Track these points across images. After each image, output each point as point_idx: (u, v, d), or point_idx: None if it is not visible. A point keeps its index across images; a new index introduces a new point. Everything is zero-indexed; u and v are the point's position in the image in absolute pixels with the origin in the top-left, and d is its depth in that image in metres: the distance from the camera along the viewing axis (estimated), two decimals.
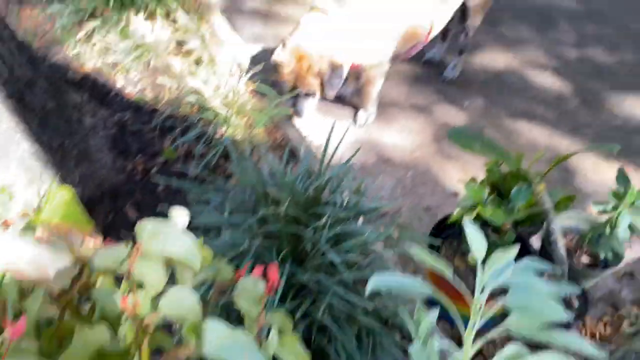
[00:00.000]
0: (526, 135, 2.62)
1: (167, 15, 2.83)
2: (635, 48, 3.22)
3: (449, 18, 2.55)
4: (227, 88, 2.26)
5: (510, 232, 1.63)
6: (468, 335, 0.67)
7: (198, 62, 2.63)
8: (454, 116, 2.72)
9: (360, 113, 2.65)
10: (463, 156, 2.51)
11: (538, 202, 1.64)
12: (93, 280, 0.87)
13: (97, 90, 2.52)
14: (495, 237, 1.69)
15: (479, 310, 0.68)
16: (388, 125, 2.65)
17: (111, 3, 2.65)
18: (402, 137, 2.60)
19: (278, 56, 2.23)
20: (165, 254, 0.79)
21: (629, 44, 3.26)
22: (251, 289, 0.88)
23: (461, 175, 2.42)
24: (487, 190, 1.67)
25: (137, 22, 2.72)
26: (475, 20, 2.66)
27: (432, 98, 2.83)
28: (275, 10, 3.40)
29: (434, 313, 0.74)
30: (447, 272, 0.70)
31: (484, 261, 0.74)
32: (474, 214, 1.58)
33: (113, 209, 2.02)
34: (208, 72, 2.44)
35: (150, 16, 2.79)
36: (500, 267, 0.68)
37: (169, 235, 0.82)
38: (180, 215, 0.91)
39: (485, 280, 0.67)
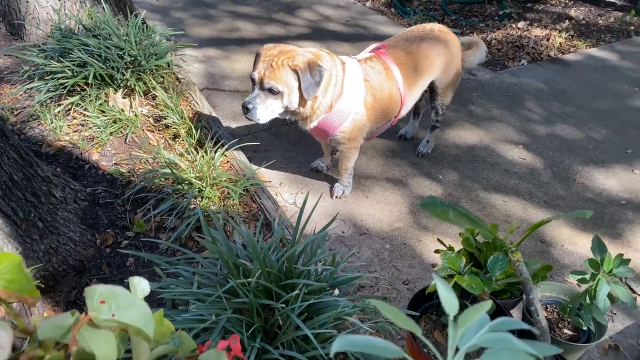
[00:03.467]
0: (501, 207, 2.64)
1: (146, 92, 2.88)
2: (599, 125, 3.36)
3: (418, 97, 2.64)
4: (203, 161, 2.25)
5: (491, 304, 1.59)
6: None
7: (176, 136, 2.64)
8: (429, 189, 2.74)
9: (337, 186, 2.66)
10: (440, 227, 2.50)
11: (516, 272, 1.62)
12: (39, 354, 0.80)
13: (72, 164, 2.50)
14: None
15: None
16: (365, 198, 2.66)
17: (90, 80, 2.70)
18: (379, 208, 2.59)
19: (264, 46, 2.21)
20: (116, 321, 0.74)
21: (593, 121, 3.40)
22: None
23: (438, 247, 2.40)
24: (463, 260, 1.65)
25: (116, 98, 2.76)
26: (445, 99, 2.75)
27: (407, 171, 2.86)
28: None
29: None
30: (417, 331, 0.66)
31: (455, 318, 0.70)
32: (451, 283, 1.54)
33: (78, 284, 1.94)
34: (185, 146, 2.45)
35: (129, 94, 2.84)
36: (474, 326, 0.64)
37: (121, 300, 0.78)
38: (139, 283, 0.86)
39: (458, 338, 0.63)
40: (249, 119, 2.17)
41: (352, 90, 2.32)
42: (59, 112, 2.70)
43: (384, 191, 2.71)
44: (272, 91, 2.14)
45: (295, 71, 2.12)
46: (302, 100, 2.20)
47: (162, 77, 2.95)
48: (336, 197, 2.64)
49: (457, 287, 1.58)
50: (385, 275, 2.21)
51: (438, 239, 1.83)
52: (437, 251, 1.85)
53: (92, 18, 3.11)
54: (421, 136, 3.11)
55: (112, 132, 2.66)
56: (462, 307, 0.76)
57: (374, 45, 2.46)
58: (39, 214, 1.86)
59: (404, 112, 2.58)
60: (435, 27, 2.62)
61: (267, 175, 2.73)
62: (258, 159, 2.82)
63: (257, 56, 2.19)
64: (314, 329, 1.40)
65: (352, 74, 2.33)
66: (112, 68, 2.75)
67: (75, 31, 2.96)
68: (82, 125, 2.70)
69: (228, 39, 4.25)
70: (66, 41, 2.80)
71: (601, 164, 3.00)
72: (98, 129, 2.65)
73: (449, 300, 0.71)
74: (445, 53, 2.56)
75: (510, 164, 2.96)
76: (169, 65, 2.91)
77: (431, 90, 2.71)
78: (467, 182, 2.81)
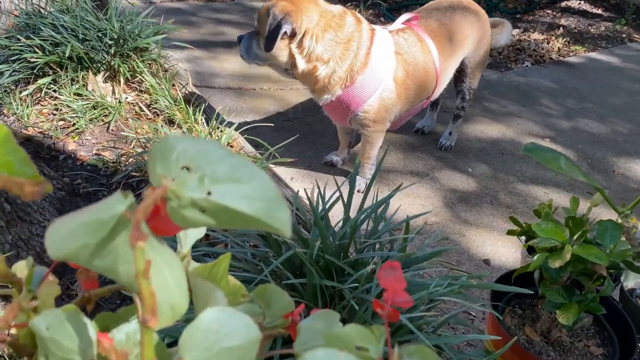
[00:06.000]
0: (543, 198, 2.34)
1: (132, 77, 2.48)
2: (622, 120, 3.15)
3: (451, 76, 2.35)
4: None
5: (608, 281, 1.24)
6: None
7: (171, 122, 2.25)
8: (460, 181, 2.42)
9: (358, 178, 2.30)
10: (482, 220, 2.16)
11: (630, 241, 1.28)
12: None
13: (42, 154, 2.06)
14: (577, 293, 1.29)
15: None
16: (390, 190, 2.30)
17: (65, 60, 2.29)
18: (409, 202, 2.24)
19: None
20: (218, 204, 0.37)
21: (613, 116, 3.19)
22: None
23: (487, 241, 2.06)
24: (567, 231, 1.30)
25: (96, 81, 2.35)
26: (473, 81, 2.47)
27: (432, 164, 2.54)
28: (248, 86, 3.15)
29: None
30: None
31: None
32: (565, 257, 1.19)
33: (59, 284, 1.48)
34: (184, 129, 2.06)
35: (112, 78, 2.43)
36: None
37: (221, 167, 0.40)
38: None
39: None
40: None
41: (380, 62, 2.01)
42: (25, 96, 2.27)
43: (410, 185, 2.37)
44: (255, 30, 1.98)
45: (268, 12, 1.87)
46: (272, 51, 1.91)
47: (149, 63, 2.56)
48: (358, 190, 2.27)
49: (566, 265, 1.23)
50: (434, 274, 1.84)
51: (511, 217, 1.49)
52: (511, 232, 1.50)
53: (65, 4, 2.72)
54: (439, 131, 2.81)
55: (91, 119, 2.24)
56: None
57: (406, 16, 2.16)
58: (5, 194, 1.42)
59: (437, 91, 2.28)
60: None
61: (275, 170, 2.35)
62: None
63: None
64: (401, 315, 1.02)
65: (382, 44, 2.02)
66: (92, 48, 2.35)
67: (46, 12, 2.56)
68: (55, 112, 2.27)
69: (213, 42, 3.92)
70: (35, 19, 2.40)
71: (636, 156, 2.75)
72: (75, 115, 2.23)
73: None
74: (477, 26, 2.29)
75: None
76: (157, 44, 2.53)
77: (459, 70, 2.42)
78: (501, 175, 2.50)
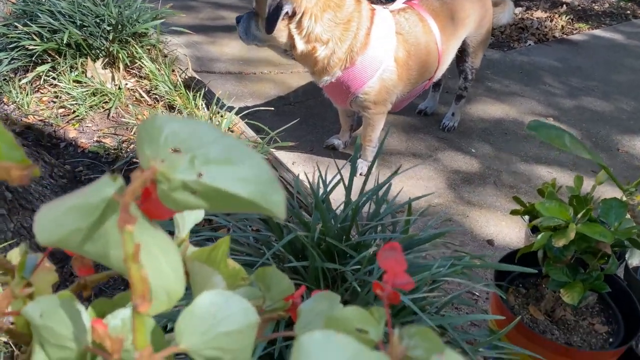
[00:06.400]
0: (547, 177, 2.32)
1: (131, 63, 2.46)
2: (626, 97, 3.11)
3: (453, 56, 2.32)
4: (213, 121, 1.85)
5: (612, 259, 1.23)
6: None
7: (171, 107, 2.23)
8: (463, 162, 2.40)
9: (360, 161, 2.29)
10: (486, 200, 2.15)
11: (636, 219, 1.27)
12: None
13: (43, 142, 2.05)
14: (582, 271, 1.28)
15: None
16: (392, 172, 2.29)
17: (64, 47, 2.27)
18: (411, 184, 2.23)
19: None
20: (208, 187, 0.36)
21: (618, 93, 3.15)
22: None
23: (490, 221, 2.05)
24: (571, 209, 1.29)
25: (96, 67, 2.33)
26: (475, 60, 2.44)
27: (435, 145, 2.52)
28: (249, 70, 3.13)
29: None
30: None
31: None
32: (569, 236, 1.18)
33: (60, 277, 1.48)
34: (184, 114, 2.04)
35: (111, 64, 2.42)
36: None
37: (214, 148, 0.40)
38: None
39: None
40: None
41: (380, 42, 1.98)
42: (24, 84, 2.26)
43: (412, 166, 2.35)
44: (254, 11, 1.93)
45: None
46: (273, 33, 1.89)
47: (148, 49, 2.54)
48: (360, 173, 2.26)
49: (570, 243, 1.22)
50: (437, 256, 1.84)
51: (514, 197, 1.48)
52: (514, 212, 1.49)
53: None
54: (442, 112, 2.78)
55: (91, 106, 2.23)
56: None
57: None
58: (5, 182, 1.42)
59: (440, 72, 2.25)
60: None
61: (277, 155, 2.33)
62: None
63: None
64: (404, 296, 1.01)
65: (383, 23, 1.99)
66: (90, 34, 2.33)
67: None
68: (55, 100, 2.26)
69: (213, 26, 3.88)
70: (33, 6, 2.37)
71: None
72: (74, 102, 2.21)
73: None
74: (479, 4, 2.26)
75: None
76: (156, 29, 2.51)
77: (461, 50, 2.39)
78: (504, 155, 2.48)
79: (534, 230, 1.47)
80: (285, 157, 2.35)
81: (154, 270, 0.40)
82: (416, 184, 2.24)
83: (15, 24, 2.34)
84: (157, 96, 2.30)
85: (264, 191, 0.37)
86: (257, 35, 1.97)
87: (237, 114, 2.25)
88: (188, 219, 0.55)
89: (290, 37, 1.89)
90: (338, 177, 1.29)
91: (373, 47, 1.97)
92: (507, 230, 2.02)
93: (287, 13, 1.82)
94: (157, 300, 0.42)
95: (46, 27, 2.31)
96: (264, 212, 0.38)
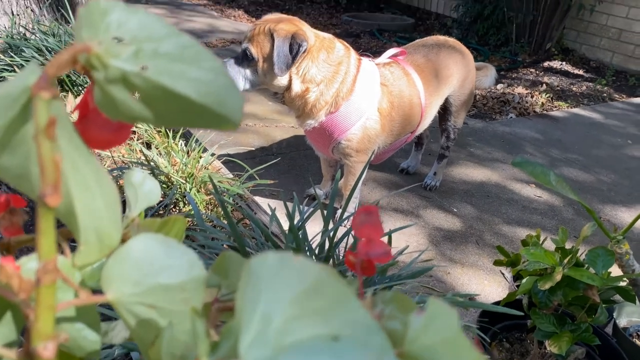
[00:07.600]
0: None
1: None
2: (606, 170, 3.14)
3: (435, 112, 2.34)
4: (187, 160, 1.79)
5: (601, 308, 1.16)
6: None
7: (149, 145, 2.17)
8: (445, 220, 2.35)
9: (339, 212, 2.22)
10: (468, 259, 2.08)
11: (623, 268, 1.21)
12: None
13: None
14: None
15: None
16: None
17: None
18: (393, 238, 2.15)
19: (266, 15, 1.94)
20: (152, 82, 0.29)
21: (598, 166, 3.19)
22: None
23: (472, 279, 1.97)
24: (557, 254, 1.23)
25: (75, 104, 2.29)
26: (457, 120, 2.46)
27: (417, 203, 2.48)
28: None
29: None
30: None
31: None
32: (555, 278, 1.11)
33: None
34: (167, 148, 1.99)
35: None
36: None
37: (157, 33, 0.33)
38: (144, 179, 0.46)
39: None
40: None
41: (365, 91, 1.98)
42: None
43: (394, 221, 2.30)
44: (246, 55, 1.86)
45: (272, 35, 1.79)
46: (274, 76, 1.85)
47: None
48: (343, 225, 2.19)
49: (556, 287, 1.15)
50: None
51: (498, 247, 1.42)
52: (498, 262, 1.43)
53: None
54: (424, 172, 2.77)
55: None
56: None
57: (392, 51, 2.16)
58: None
59: (422, 126, 2.25)
60: (449, 38, 2.38)
61: (256, 200, 2.26)
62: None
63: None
64: None
65: (368, 73, 2.01)
66: (74, 72, 2.31)
67: (29, 35, 2.54)
68: None
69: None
70: (18, 41, 2.37)
71: (621, 204, 2.72)
72: None
73: None
74: (462, 65, 2.30)
75: (527, 201, 2.64)
76: None
77: (444, 109, 2.41)
78: (486, 216, 2.44)
79: (518, 278, 1.40)
80: (265, 203, 2.28)
81: (84, 205, 0.32)
82: (398, 237, 2.17)
83: (1, 56, 2.32)
84: (137, 134, 2.25)
85: (219, 94, 0.31)
86: (252, 80, 1.93)
87: (218, 159, 2.20)
88: (141, 196, 0.48)
89: (289, 78, 1.88)
90: (320, 226, 1.22)
91: (358, 94, 1.97)
92: (489, 289, 1.93)
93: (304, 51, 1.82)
94: (86, 244, 0.34)
95: (30, 60, 2.29)
96: (218, 120, 0.31)
